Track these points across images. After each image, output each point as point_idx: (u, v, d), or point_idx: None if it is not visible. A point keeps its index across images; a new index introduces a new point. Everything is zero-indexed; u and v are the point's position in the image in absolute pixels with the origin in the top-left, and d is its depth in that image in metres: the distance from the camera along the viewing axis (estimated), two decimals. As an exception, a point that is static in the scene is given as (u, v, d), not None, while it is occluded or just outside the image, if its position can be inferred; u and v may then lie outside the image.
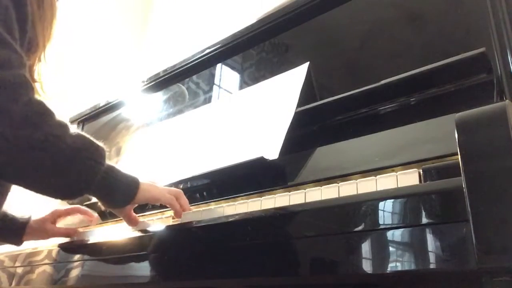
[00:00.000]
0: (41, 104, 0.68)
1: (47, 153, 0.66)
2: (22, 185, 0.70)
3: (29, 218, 0.99)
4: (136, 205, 0.82)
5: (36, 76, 0.83)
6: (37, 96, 0.74)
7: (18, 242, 0.98)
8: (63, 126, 0.69)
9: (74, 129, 0.72)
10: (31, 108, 0.65)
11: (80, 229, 1.09)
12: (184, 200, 0.85)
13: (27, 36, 0.73)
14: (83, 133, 0.73)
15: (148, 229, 0.81)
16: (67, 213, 1.04)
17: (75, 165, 0.69)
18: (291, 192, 0.70)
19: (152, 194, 0.80)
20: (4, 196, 0.85)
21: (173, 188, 0.86)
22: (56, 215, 1.02)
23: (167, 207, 0.88)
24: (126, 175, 0.77)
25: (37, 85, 0.83)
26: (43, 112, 0.67)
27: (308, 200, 0.66)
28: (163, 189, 0.83)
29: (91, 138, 0.73)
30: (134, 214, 0.84)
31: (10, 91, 0.64)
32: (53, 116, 0.68)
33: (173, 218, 0.87)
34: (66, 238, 1.02)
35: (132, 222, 0.83)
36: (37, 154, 0.65)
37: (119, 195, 0.76)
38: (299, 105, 0.90)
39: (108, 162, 0.74)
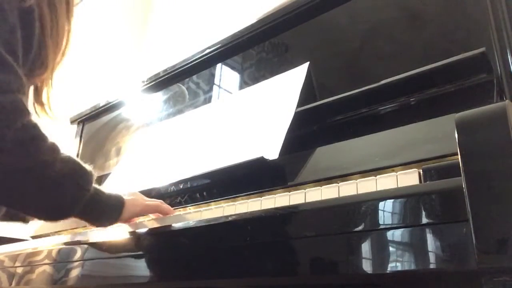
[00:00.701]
0: (34, 129, 0.69)
1: (34, 178, 0.68)
2: (8, 206, 0.74)
3: None
4: None
5: (44, 99, 0.85)
6: (38, 118, 0.76)
7: (26, 220, 1.04)
8: (54, 151, 0.70)
9: (67, 154, 0.73)
10: (23, 133, 0.66)
11: (80, 229, 1.09)
12: (166, 206, 0.90)
13: (32, 52, 0.73)
14: (73, 158, 0.74)
15: (148, 229, 0.81)
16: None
17: (60, 191, 0.71)
18: (291, 192, 0.70)
19: (136, 209, 0.85)
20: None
21: (153, 199, 0.90)
22: None
23: None
24: (111, 197, 0.81)
25: (46, 108, 0.85)
26: (35, 137, 0.68)
27: (308, 200, 0.66)
28: (145, 200, 0.87)
29: (80, 163, 0.75)
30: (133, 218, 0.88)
31: (5, 116, 0.65)
32: (45, 141, 0.69)
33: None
34: (66, 238, 1.02)
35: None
36: (24, 179, 0.67)
37: (105, 217, 0.81)
38: (299, 105, 0.90)
39: (95, 185, 0.77)
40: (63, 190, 0.71)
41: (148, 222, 0.89)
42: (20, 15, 0.70)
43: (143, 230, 0.81)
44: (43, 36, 0.74)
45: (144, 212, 0.87)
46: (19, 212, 0.99)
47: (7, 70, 0.67)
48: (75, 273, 0.88)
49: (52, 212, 0.74)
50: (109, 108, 1.68)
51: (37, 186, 0.68)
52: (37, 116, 0.84)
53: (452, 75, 0.74)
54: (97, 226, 0.84)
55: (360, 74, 0.96)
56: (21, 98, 0.69)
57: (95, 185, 0.77)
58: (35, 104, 0.84)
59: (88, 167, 0.76)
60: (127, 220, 0.86)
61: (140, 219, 1.00)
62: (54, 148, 0.71)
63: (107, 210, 0.80)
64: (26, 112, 0.69)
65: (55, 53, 0.78)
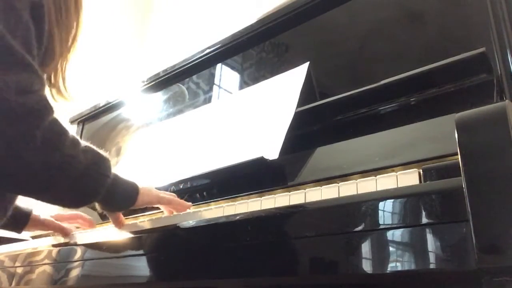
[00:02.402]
0: (57, 124, 0.71)
1: (63, 172, 0.71)
2: (37, 198, 0.74)
3: (31, 210, 1.05)
4: None
5: (59, 84, 0.86)
6: (55, 102, 0.79)
7: (19, 230, 1.05)
8: (76, 144, 0.73)
9: (83, 142, 0.76)
10: (50, 131, 0.69)
11: (80, 229, 1.09)
12: (180, 200, 0.90)
13: (43, 48, 0.75)
14: (91, 146, 0.77)
15: (148, 229, 0.81)
16: (69, 218, 1.10)
17: (86, 180, 0.74)
18: (291, 192, 0.70)
19: (150, 198, 0.86)
20: (11, 204, 0.88)
21: (167, 192, 0.92)
22: (59, 219, 1.08)
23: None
24: (127, 182, 0.83)
25: (62, 89, 0.87)
26: (60, 133, 0.71)
27: (308, 200, 0.66)
28: (159, 192, 0.89)
29: (99, 151, 0.78)
30: (122, 217, 0.89)
31: (34, 117, 0.67)
32: (68, 135, 0.72)
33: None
34: (66, 238, 1.02)
35: (119, 224, 0.88)
36: (54, 173, 0.70)
37: (121, 201, 0.83)
38: (299, 105, 0.90)
39: (112, 171, 0.79)
40: (88, 180, 0.74)
41: (148, 222, 0.89)
42: (31, 12, 0.71)
43: (143, 230, 0.81)
44: (50, 28, 0.76)
45: (157, 202, 0.88)
46: (16, 220, 1.00)
47: (29, 70, 0.68)
48: (75, 273, 0.88)
49: (77, 200, 0.78)
50: (109, 108, 1.68)
51: (65, 178, 0.71)
52: (55, 101, 0.86)
53: (452, 75, 0.74)
54: (112, 210, 0.86)
55: (360, 74, 0.96)
56: (45, 96, 0.71)
57: (112, 171, 0.79)
58: (52, 90, 0.86)
59: (105, 153, 0.79)
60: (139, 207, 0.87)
61: (140, 219, 1.00)
62: (75, 141, 0.74)
63: (124, 195, 0.82)
64: (51, 110, 0.71)
65: (61, 42, 0.80)
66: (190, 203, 0.90)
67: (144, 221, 0.92)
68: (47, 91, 0.79)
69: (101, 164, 0.77)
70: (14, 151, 0.65)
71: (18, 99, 0.65)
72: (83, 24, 0.85)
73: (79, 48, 0.86)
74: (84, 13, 0.86)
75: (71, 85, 0.89)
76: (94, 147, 0.78)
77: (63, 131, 0.72)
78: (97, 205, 0.82)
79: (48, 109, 0.70)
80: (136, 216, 1.03)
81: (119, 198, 0.82)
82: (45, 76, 0.81)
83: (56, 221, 1.06)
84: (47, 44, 0.76)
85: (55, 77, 0.85)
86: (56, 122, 0.71)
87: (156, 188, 0.93)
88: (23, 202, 1.01)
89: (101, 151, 0.78)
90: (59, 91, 0.87)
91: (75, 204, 0.81)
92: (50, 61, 0.79)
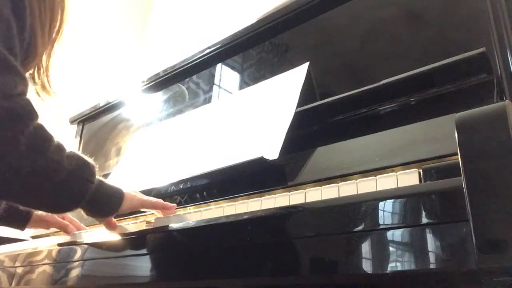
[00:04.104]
0: (42, 130, 0.71)
1: (47, 177, 0.70)
2: (18, 203, 0.75)
3: None
4: None
5: (43, 79, 0.85)
6: (42, 101, 0.77)
7: (22, 227, 1.06)
8: (60, 150, 0.73)
9: (68, 148, 0.76)
10: (34, 136, 0.69)
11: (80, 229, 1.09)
12: (164, 202, 0.91)
13: (24, 44, 0.74)
14: (77, 153, 0.77)
15: (148, 229, 0.81)
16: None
17: (69, 186, 0.74)
18: (291, 192, 0.70)
19: (134, 203, 0.86)
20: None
21: (151, 197, 0.92)
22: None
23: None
24: (112, 188, 0.83)
25: (46, 84, 0.86)
26: (45, 139, 0.71)
27: (308, 200, 0.66)
28: (143, 196, 0.89)
29: (83, 157, 0.78)
30: (113, 219, 0.89)
31: (18, 122, 0.67)
32: (53, 141, 0.72)
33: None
34: (65, 238, 1.02)
35: (111, 227, 0.88)
36: (38, 178, 0.69)
37: (106, 207, 0.82)
38: (299, 105, 0.90)
39: (97, 177, 0.79)
40: (72, 186, 0.74)
41: (148, 222, 0.89)
42: (13, 7, 0.70)
43: (143, 230, 0.81)
44: (32, 22, 0.74)
45: (142, 206, 0.88)
46: (19, 217, 1.01)
47: (12, 71, 0.68)
48: (75, 273, 0.88)
49: (60, 206, 0.78)
50: (109, 108, 1.68)
51: (49, 184, 0.71)
52: (41, 100, 0.85)
53: (452, 75, 0.74)
54: (97, 217, 0.85)
55: (360, 74, 0.96)
56: (29, 101, 0.70)
57: (97, 176, 0.79)
58: (36, 87, 0.85)
59: (89, 159, 0.79)
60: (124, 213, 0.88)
61: (140, 219, 1.00)
62: (60, 147, 0.73)
63: (108, 201, 0.82)
64: (36, 115, 0.70)
65: (43, 36, 0.78)
66: (174, 204, 0.91)
67: (143, 221, 0.93)
68: (31, 89, 0.78)
69: (86, 170, 0.77)
70: None
71: (2, 103, 0.64)
72: (68, 16, 0.83)
73: (64, 42, 0.84)
74: (70, 4, 0.84)
75: (55, 80, 0.87)
76: (80, 153, 0.78)
77: (47, 137, 0.71)
78: (83, 212, 0.82)
79: (33, 114, 0.69)
80: (136, 216, 1.03)
81: (103, 204, 0.81)
82: (28, 74, 0.79)
83: (57, 218, 1.07)
84: (29, 40, 0.74)
85: (38, 73, 0.84)
86: (41, 127, 0.70)
87: (155, 188, 0.93)
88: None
89: (86, 157, 0.78)
90: (43, 87, 0.86)
91: (59, 209, 0.81)
92: (32, 57, 0.77)
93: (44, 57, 0.82)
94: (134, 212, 1.03)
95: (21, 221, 1.05)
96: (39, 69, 0.84)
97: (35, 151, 0.68)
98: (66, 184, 0.73)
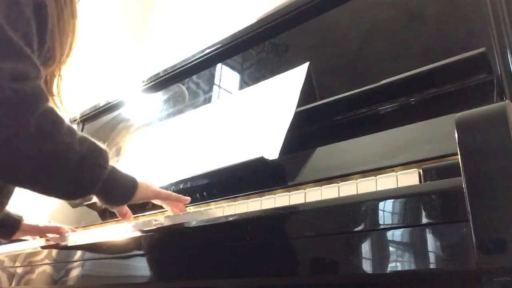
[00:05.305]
0: (53, 113, 0.70)
1: (57, 160, 0.69)
2: (30, 189, 0.72)
3: (22, 216, 1.04)
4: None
5: (54, 90, 0.85)
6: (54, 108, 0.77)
7: (8, 237, 1.03)
8: (72, 133, 0.71)
9: (79, 132, 0.74)
10: (44, 118, 0.67)
11: (80, 229, 1.09)
12: (178, 195, 0.89)
13: (45, 47, 0.74)
14: (89, 137, 0.75)
15: (148, 229, 0.81)
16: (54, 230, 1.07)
17: (82, 171, 0.72)
18: (291, 192, 0.70)
19: (149, 193, 0.84)
20: (8, 199, 0.87)
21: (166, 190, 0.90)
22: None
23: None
24: (126, 175, 0.80)
25: (56, 99, 0.85)
26: (55, 121, 0.69)
27: (308, 200, 0.66)
28: (158, 188, 0.87)
29: (96, 142, 0.76)
30: (127, 209, 0.87)
31: (28, 104, 0.66)
32: (64, 124, 0.71)
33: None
34: (65, 238, 1.02)
35: (126, 217, 0.86)
36: (47, 162, 0.68)
37: (119, 195, 0.80)
38: (299, 105, 0.90)
39: (110, 164, 0.77)
40: (84, 170, 0.72)
41: (148, 223, 0.89)
42: (35, 10, 0.70)
43: (143, 230, 0.81)
44: (53, 29, 0.75)
45: (156, 197, 0.86)
46: (6, 227, 1.00)
47: (26, 60, 0.67)
48: (75, 273, 0.88)
49: (73, 192, 0.75)
50: (109, 108, 1.68)
51: (60, 168, 0.69)
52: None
53: (452, 75, 0.74)
54: (110, 204, 0.83)
55: (360, 74, 0.96)
56: (40, 84, 0.70)
57: (110, 163, 0.77)
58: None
59: (102, 145, 0.77)
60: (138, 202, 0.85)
61: (140, 219, 1.00)
62: (71, 130, 0.72)
63: (122, 187, 0.79)
64: (46, 97, 0.69)
65: (61, 46, 0.79)
66: (188, 198, 0.89)
67: (145, 221, 0.92)
68: None
69: (99, 154, 0.74)
70: (7, 137, 0.63)
71: (12, 85, 0.63)
72: (78, 34, 0.83)
73: (73, 59, 0.84)
74: (79, 22, 0.84)
75: (67, 98, 0.87)
76: (93, 139, 0.75)
77: (58, 119, 0.70)
78: (96, 200, 0.80)
79: (43, 96, 0.68)
80: (136, 216, 1.03)
81: (117, 191, 0.78)
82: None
83: (49, 224, 1.05)
84: (50, 44, 0.75)
85: (51, 82, 0.83)
86: (51, 110, 0.69)
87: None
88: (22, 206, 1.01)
89: (99, 143, 0.76)
90: (52, 98, 0.84)
91: (70, 196, 0.78)
92: (52, 60, 0.78)
93: (57, 68, 0.82)
94: (134, 213, 1.03)
95: (11, 227, 1.01)
96: (51, 81, 0.83)
97: (44, 134, 0.67)
98: (78, 169, 0.71)
